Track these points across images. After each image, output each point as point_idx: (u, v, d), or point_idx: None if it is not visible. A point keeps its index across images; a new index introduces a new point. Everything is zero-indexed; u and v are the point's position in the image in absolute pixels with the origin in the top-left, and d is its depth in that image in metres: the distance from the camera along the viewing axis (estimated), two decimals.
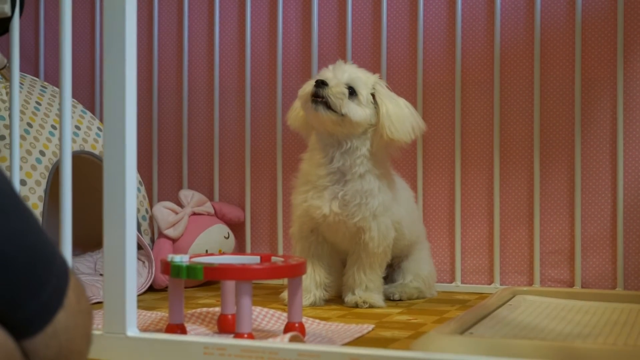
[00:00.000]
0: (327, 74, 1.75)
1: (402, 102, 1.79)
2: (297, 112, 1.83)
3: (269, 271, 1.34)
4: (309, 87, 1.75)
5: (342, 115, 1.72)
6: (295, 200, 1.84)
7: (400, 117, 1.75)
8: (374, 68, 2.21)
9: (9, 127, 1.50)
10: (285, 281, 1.96)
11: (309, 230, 1.83)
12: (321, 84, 1.72)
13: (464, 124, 2.15)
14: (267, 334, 1.43)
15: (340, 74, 1.74)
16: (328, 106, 1.71)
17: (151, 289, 2.04)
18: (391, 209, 1.81)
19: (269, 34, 2.31)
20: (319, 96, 1.72)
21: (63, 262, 0.84)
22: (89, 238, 2.12)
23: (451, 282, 2.15)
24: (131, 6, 1.25)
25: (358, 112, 1.73)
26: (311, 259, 1.82)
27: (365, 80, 1.76)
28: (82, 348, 0.85)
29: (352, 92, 1.74)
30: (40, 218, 1.80)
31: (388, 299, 1.88)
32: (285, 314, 1.51)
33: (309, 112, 1.75)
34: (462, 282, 2.14)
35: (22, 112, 1.94)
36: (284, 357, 1.15)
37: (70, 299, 0.83)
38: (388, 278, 1.94)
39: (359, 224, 1.78)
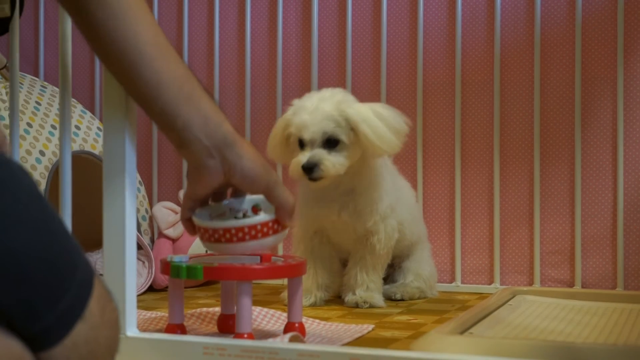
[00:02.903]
0: (303, 129, 1.68)
1: (373, 115, 1.70)
2: (279, 152, 1.78)
3: (269, 271, 1.34)
4: (298, 170, 1.68)
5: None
6: (301, 209, 1.82)
7: (378, 135, 1.68)
8: (374, 68, 2.21)
9: (9, 127, 1.50)
10: (285, 281, 1.96)
11: (313, 232, 1.84)
12: (310, 170, 1.67)
13: (464, 123, 2.15)
14: (267, 334, 1.43)
15: (318, 130, 1.67)
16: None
17: (151, 289, 2.04)
18: (396, 210, 1.81)
19: (269, 34, 2.31)
20: (314, 178, 1.68)
21: (87, 272, 0.81)
22: (89, 238, 2.11)
23: (451, 282, 2.15)
24: None
25: (350, 159, 1.70)
26: (314, 260, 1.82)
27: (337, 117, 1.69)
28: (105, 359, 0.83)
29: (335, 142, 1.69)
30: None
31: (389, 298, 1.88)
32: (285, 314, 1.51)
33: (311, 185, 1.71)
34: (462, 282, 2.14)
35: (21, 112, 1.94)
36: (284, 357, 1.14)
37: (93, 309, 0.80)
38: (389, 278, 1.94)
39: (369, 228, 1.78)
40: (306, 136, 1.69)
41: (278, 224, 1.26)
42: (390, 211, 1.79)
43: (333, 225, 1.80)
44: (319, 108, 1.70)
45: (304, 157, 1.69)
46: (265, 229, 1.26)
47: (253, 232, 1.26)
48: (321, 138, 1.69)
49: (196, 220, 1.28)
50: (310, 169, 1.67)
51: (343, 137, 1.69)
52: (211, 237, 1.27)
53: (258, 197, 1.31)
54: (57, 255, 0.78)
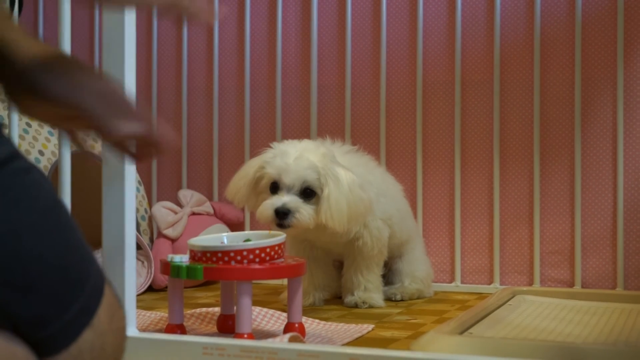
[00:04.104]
0: (285, 173, 1.64)
1: (347, 187, 1.65)
2: (244, 194, 1.72)
3: (269, 271, 1.34)
4: (269, 213, 1.62)
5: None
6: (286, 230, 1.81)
7: (337, 206, 1.63)
8: (374, 68, 2.21)
9: (8, 126, 1.49)
10: (285, 281, 1.95)
11: (301, 241, 1.83)
12: (283, 216, 1.61)
13: (464, 123, 2.15)
14: (267, 334, 1.43)
15: (299, 177, 1.64)
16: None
17: (150, 289, 2.04)
18: (379, 208, 1.78)
19: (268, 34, 2.31)
20: (284, 225, 1.62)
21: (98, 281, 0.81)
22: (88, 238, 2.11)
23: (451, 282, 2.15)
24: None
25: (321, 212, 1.64)
26: (308, 262, 1.81)
27: (320, 170, 1.64)
28: None
29: (311, 194, 1.65)
30: None
31: (389, 299, 1.87)
32: (285, 314, 1.51)
33: (277, 229, 1.65)
34: (462, 282, 2.14)
35: None
36: (284, 357, 1.14)
37: (101, 317, 0.80)
38: (385, 280, 1.92)
39: (353, 237, 1.77)
40: (286, 180, 1.63)
41: (274, 251, 1.35)
42: (371, 217, 1.76)
43: (317, 238, 1.80)
44: (303, 156, 1.66)
45: (278, 200, 1.63)
46: (262, 254, 1.33)
47: (251, 256, 1.30)
48: (300, 186, 1.64)
49: (195, 245, 1.34)
50: (284, 214, 1.61)
51: (319, 190, 1.64)
52: (208, 260, 1.31)
53: (249, 233, 1.47)
54: (69, 263, 0.78)
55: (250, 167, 1.72)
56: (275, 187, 1.65)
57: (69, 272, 0.78)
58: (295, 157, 1.65)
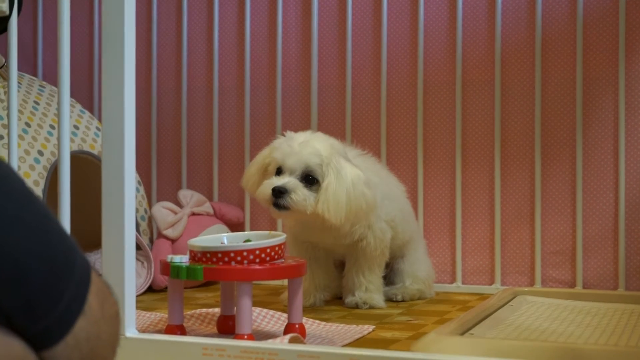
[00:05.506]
0: (288, 156, 1.66)
1: (349, 181, 1.65)
2: (255, 180, 1.74)
3: (269, 272, 1.34)
4: (267, 191, 1.64)
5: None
6: (288, 231, 1.81)
7: (335, 198, 1.64)
8: (374, 68, 2.21)
9: (7, 126, 1.49)
10: (285, 282, 1.95)
11: (302, 241, 1.83)
12: (279, 193, 1.62)
13: (465, 123, 2.14)
14: (267, 335, 1.43)
15: (301, 161, 1.65)
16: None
17: (150, 289, 2.04)
18: (383, 210, 1.78)
19: (268, 34, 2.31)
20: (280, 205, 1.63)
21: (84, 268, 0.81)
22: (88, 238, 2.11)
23: (452, 283, 2.14)
24: (130, 6, 1.24)
25: (319, 202, 1.64)
26: (309, 262, 1.81)
27: (325, 158, 1.66)
28: (107, 355, 0.82)
29: (313, 180, 1.66)
30: None
31: (390, 300, 1.87)
32: (285, 315, 1.50)
33: (274, 214, 1.68)
34: (463, 283, 2.14)
35: (20, 111, 1.93)
36: (284, 358, 1.14)
37: (92, 305, 0.80)
38: (387, 280, 1.92)
39: (357, 238, 1.77)
40: (289, 164, 1.65)
41: (275, 251, 1.34)
42: (375, 218, 1.76)
43: (320, 240, 1.80)
44: (309, 142, 1.68)
45: (278, 180, 1.65)
46: (263, 255, 1.32)
47: (251, 257, 1.30)
48: (301, 170, 1.65)
49: (195, 245, 1.33)
50: (280, 193, 1.62)
51: (321, 179, 1.65)
52: (208, 261, 1.31)
53: (249, 233, 1.46)
54: (54, 254, 0.78)
55: (261, 155, 1.75)
56: (280, 172, 1.68)
57: (56, 262, 0.78)
58: (300, 142, 1.69)
